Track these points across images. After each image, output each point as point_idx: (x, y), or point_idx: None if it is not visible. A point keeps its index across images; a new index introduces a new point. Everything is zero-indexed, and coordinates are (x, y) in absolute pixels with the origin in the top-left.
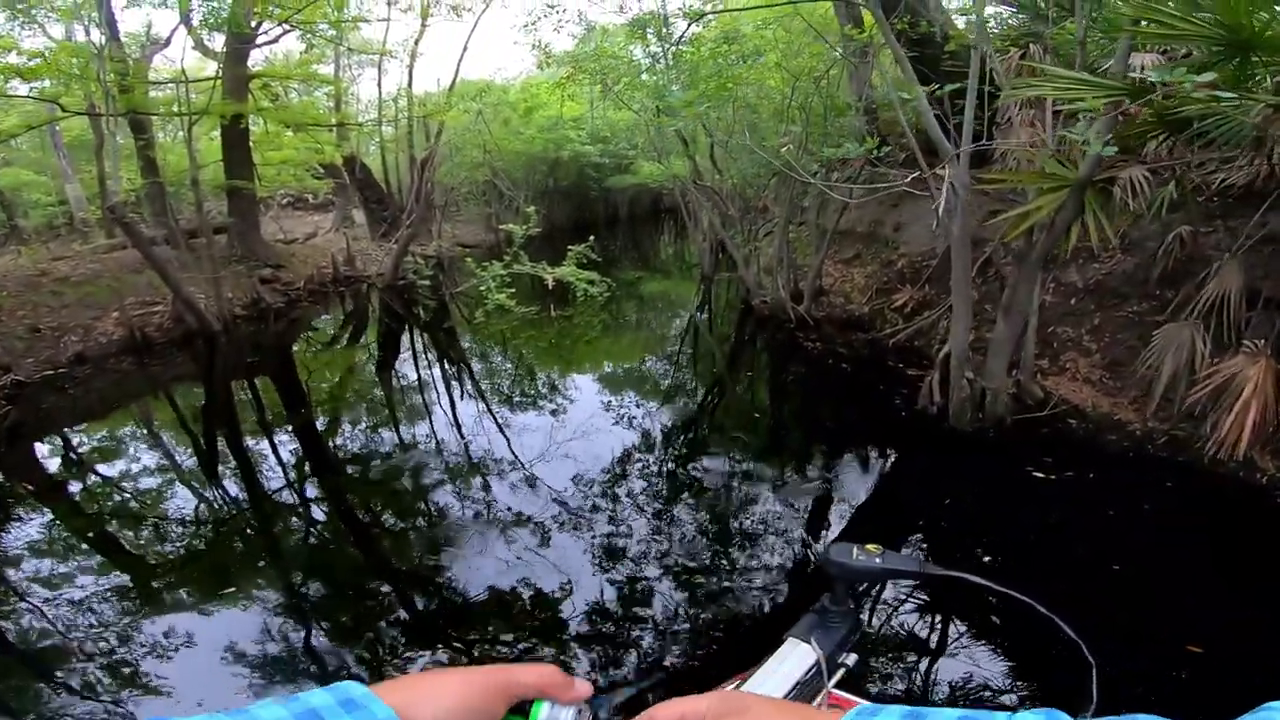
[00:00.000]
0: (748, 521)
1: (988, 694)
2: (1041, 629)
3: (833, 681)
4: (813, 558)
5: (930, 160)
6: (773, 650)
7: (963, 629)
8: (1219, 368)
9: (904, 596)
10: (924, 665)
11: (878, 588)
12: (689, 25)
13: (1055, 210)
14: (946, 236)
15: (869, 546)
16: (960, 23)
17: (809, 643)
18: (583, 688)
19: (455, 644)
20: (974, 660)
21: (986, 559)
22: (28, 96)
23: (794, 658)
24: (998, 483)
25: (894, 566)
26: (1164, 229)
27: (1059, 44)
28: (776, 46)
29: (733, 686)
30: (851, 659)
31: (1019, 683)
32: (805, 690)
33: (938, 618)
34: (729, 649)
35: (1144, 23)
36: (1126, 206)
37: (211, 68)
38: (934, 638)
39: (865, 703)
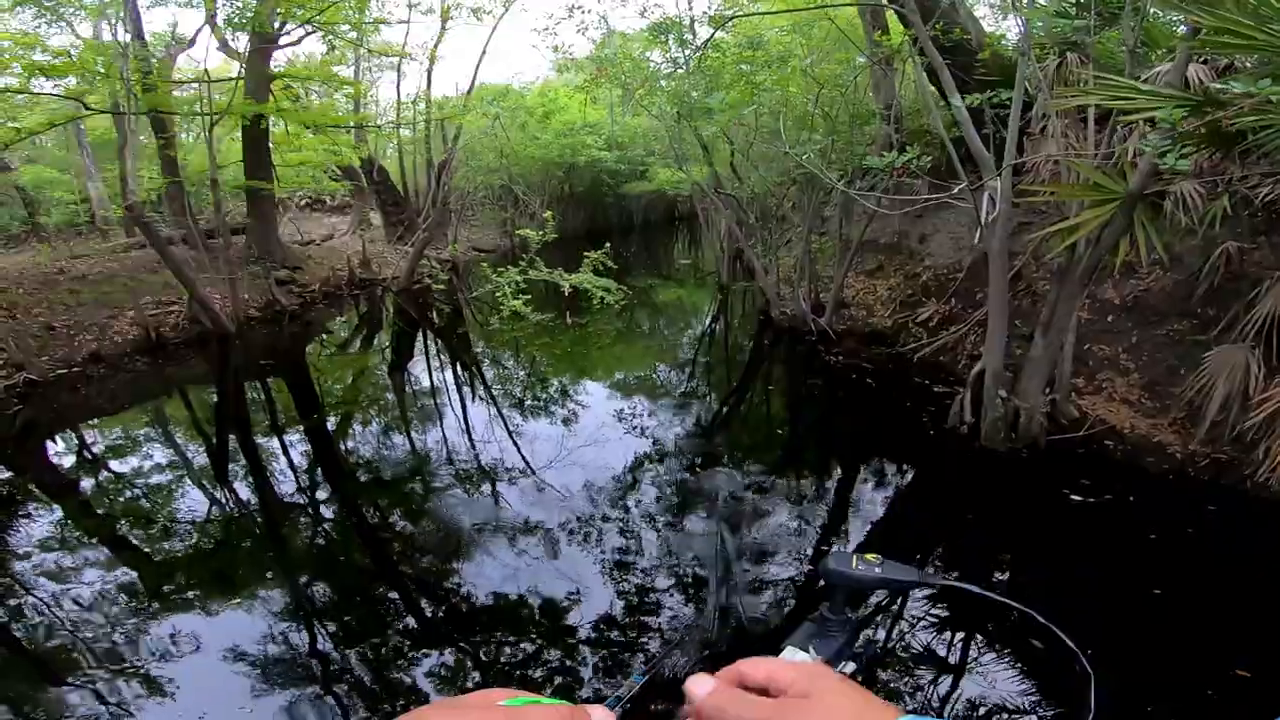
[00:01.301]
0: (765, 536)
1: (987, 703)
2: (1041, 639)
3: None
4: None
5: (956, 171)
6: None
7: (962, 639)
8: (1273, 393)
9: (904, 606)
10: (923, 674)
11: (877, 596)
12: (714, 31)
13: (1102, 225)
14: (974, 250)
15: (868, 556)
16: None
17: (807, 651)
18: (602, 718)
19: (462, 646)
20: (974, 670)
21: (1022, 580)
22: (53, 94)
23: None
24: (1034, 504)
25: (893, 576)
26: (1207, 245)
27: (1099, 54)
28: (798, 55)
29: None
30: (850, 668)
31: (1018, 692)
32: None
33: (937, 627)
34: (732, 656)
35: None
36: (1177, 221)
37: (235, 71)
38: (933, 647)
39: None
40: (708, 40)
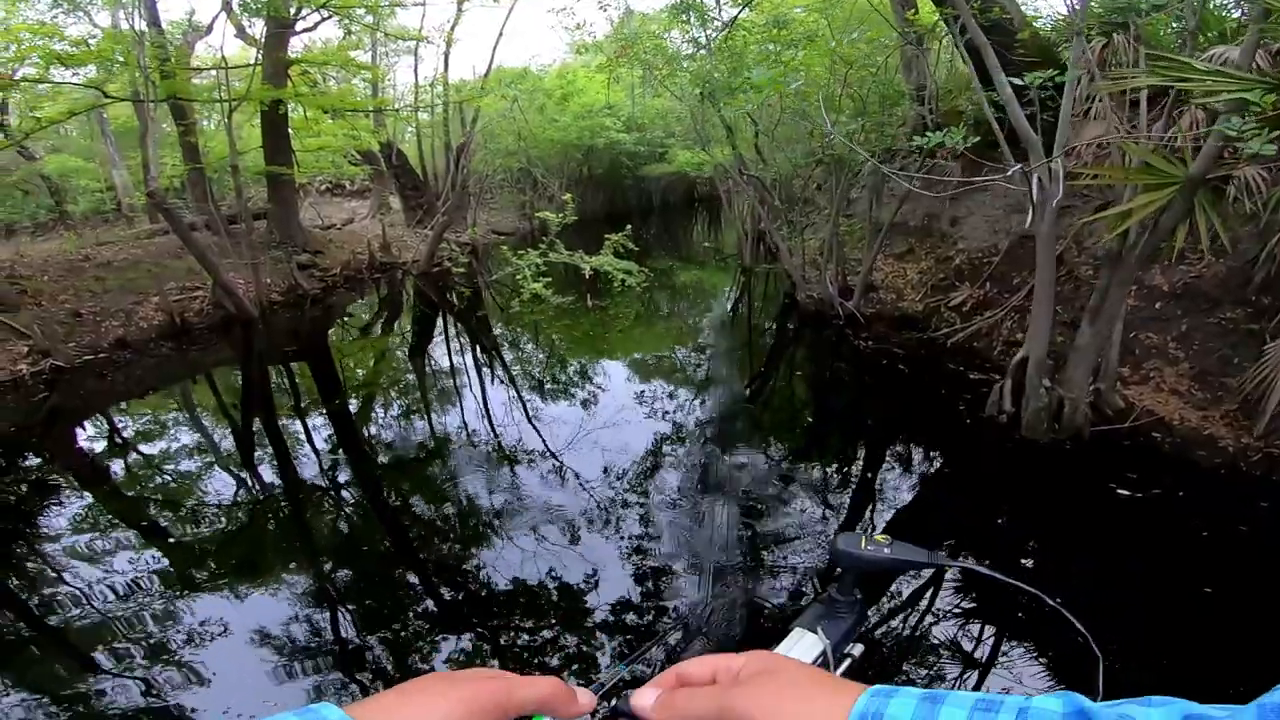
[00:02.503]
0: (790, 523)
1: (996, 686)
2: (1051, 622)
3: (839, 672)
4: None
5: (1001, 153)
6: (779, 639)
7: (972, 621)
8: None
9: (913, 587)
10: (931, 656)
11: (886, 578)
12: (740, 10)
13: (1159, 209)
14: (1010, 234)
15: (878, 536)
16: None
17: (816, 632)
18: (585, 700)
19: (480, 630)
20: (983, 652)
21: (1067, 573)
22: (73, 83)
23: (800, 647)
24: (1080, 498)
25: (903, 557)
26: (1264, 231)
27: (1150, 35)
28: (824, 35)
29: None
30: (858, 649)
31: (1027, 675)
32: None
33: (946, 609)
34: (740, 643)
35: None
36: (1239, 207)
37: (252, 57)
38: (942, 629)
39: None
40: (734, 19)
